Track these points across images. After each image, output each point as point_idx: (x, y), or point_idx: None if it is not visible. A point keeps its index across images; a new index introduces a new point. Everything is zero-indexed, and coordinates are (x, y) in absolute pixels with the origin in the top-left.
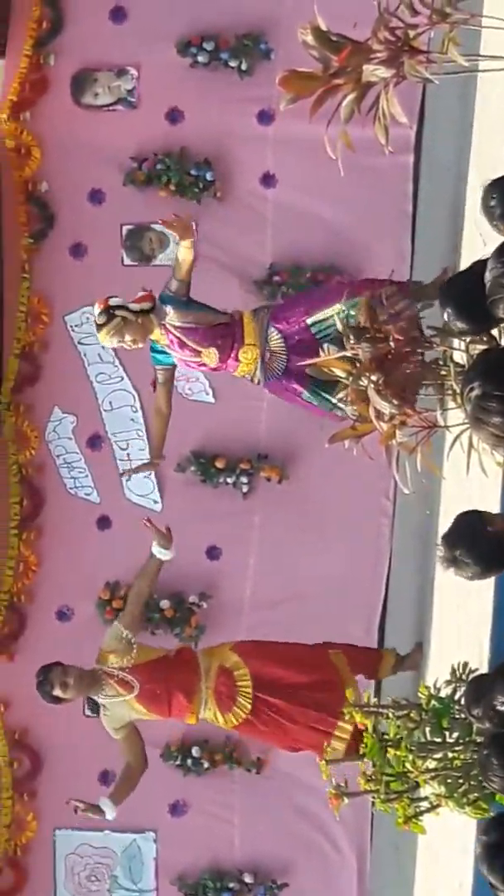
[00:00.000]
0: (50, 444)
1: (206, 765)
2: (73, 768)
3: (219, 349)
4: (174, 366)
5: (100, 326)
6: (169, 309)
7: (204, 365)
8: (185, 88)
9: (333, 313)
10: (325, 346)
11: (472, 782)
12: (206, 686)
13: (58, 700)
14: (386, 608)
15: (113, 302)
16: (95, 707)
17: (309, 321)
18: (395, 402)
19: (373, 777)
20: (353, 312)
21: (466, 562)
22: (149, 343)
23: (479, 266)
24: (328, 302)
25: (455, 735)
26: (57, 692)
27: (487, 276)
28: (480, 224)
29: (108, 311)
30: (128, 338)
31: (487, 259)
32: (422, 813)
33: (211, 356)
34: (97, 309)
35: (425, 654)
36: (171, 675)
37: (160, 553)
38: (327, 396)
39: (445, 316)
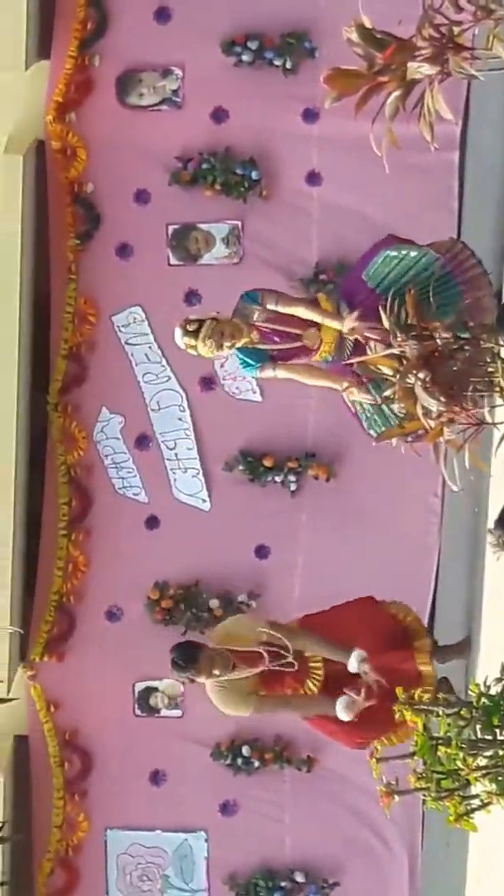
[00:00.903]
0: (98, 445)
1: (256, 764)
2: (124, 768)
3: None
4: (270, 358)
5: (193, 333)
6: (254, 305)
7: (301, 351)
8: (229, 88)
9: (380, 259)
10: (372, 343)
11: None
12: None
13: (190, 677)
14: (434, 606)
15: (193, 317)
16: (146, 704)
17: (364, 276)
18: (443, 399)
19: (423, 775)
20: (392, 254)
21: None
22: (233, 360)
23: None
24: (376, 252)
25: None
26: (202, 679)
27: None
28: None
29: (195, 321)
30: (226, 342)
31: None
32: (473, 810)
33: (312, 337)
34: (179, 327)
35: (475, 651)
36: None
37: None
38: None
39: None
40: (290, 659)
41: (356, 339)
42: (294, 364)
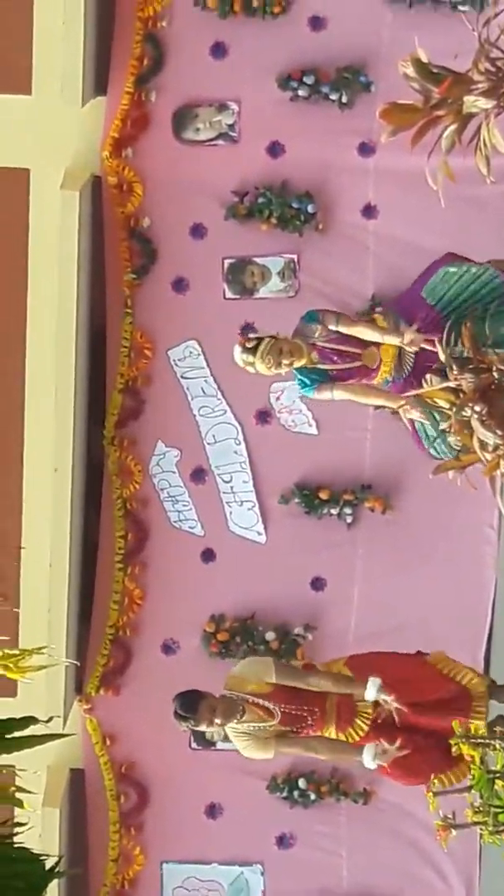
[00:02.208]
0: (154, 478)
1: (312, 796)
2: (180, 802)
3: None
4: (329, 378)
5: (252, 350)
6: (315, 325)
7: (361, 371)
8: (285, 122)
9: (440, 276)
10: (428, 376)
11: None
12: (330, 703)
13: (194, 730)
14: (491, 638)
15: (252, 335)
16: (202, 738)
17: (423, 293)
18: (500, 432)
19: (480, 809)
20: (452, 270)
21: None
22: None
23: None
24: (434, 270)
25: None
26: (203, 727)
27: None
28: None
29: (254, 339)
30: (284, 360)
31: None
32: None
33: (371, 356)
34: (238, 345)
35: None
36: (314, 700)
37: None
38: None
39: None
40: (303, 714)
41: (417, 358)
42: (351, 384)
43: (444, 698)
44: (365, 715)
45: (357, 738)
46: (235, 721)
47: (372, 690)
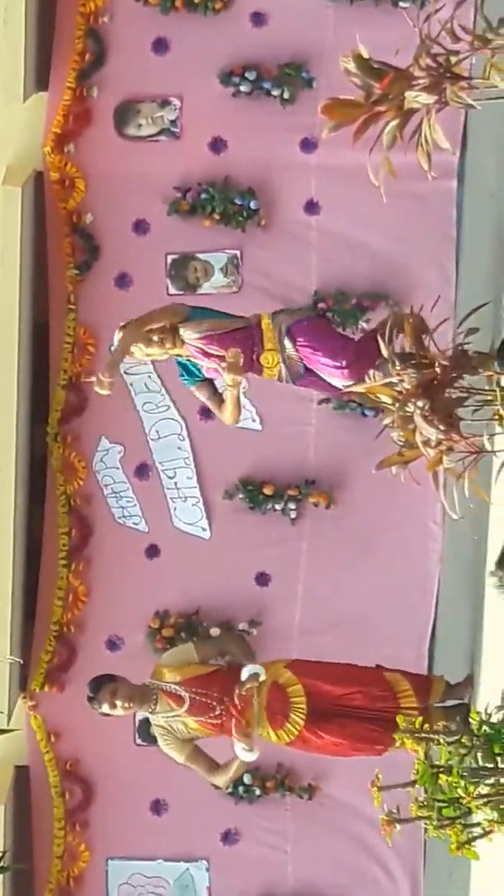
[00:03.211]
0: (98, 474)
1: (257, 792)
2: (126, 798)
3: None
4: (207, 379)
5: (123, 327)
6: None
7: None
8: (227, 118)
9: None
10: (371, 371)
11: None
12: (259, 702)
13: (108, 714)
14: (435, 633)
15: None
16: (147, 734)
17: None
18: (442, 427)
19: (425, 803)
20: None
21: None
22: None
23: None
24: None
25: None
26: (105, 709)
27: None
28: None
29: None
30: (154, 337)
31: None
32: (475, 839)
33: (234, 359)
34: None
35: (475, 679)
36: (224, 689)
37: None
38: None
39: None
40: (212, 702)
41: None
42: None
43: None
44: (299, 710)
45: (292, 738)
46: (149, 710)
47: (245, 672)
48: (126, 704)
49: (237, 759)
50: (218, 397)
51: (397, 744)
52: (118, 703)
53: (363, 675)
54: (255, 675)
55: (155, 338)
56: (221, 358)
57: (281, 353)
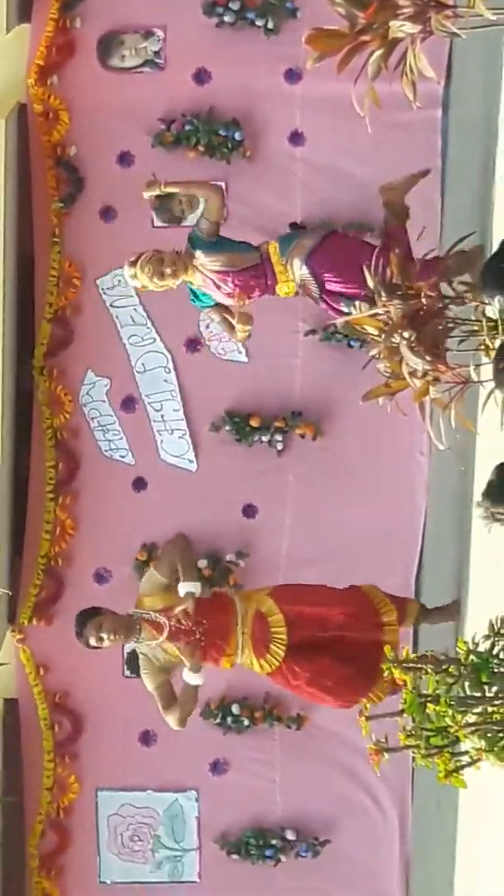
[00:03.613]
0: (84, 408)
1: (246, 722)
2: (114, 729)
3: (254, 291)
4: (219, 304)
5: (133, 262)
6: (198, 252)
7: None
8: (211, 49)
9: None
10: (357, 302)
11: None
12: (243, 631)
13: (96, 647)
14: (421, 563)
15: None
16: (135, 666)
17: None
18: (428, 358)
19: (413, 732)
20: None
21: None
22: (186, 293)
23: None
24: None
25: (494, 689)
26: (93, 643)
27: None
28: None
29: (137, 254)
30: (166, 269)
31: None
32: (462, 767)
33: (243, 298)
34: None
35: (463, 608)
36: (207, 617)
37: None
38: None
39: (496, 302)
40: (190, 627)
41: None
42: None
43: (355, 618)
44: (279, 640)
45: (273, 668)
46: (135, 640)
47: (182, 588)
48: (111, 637)
49: (186, 688)
50: (228, 322)
51: (372, 693)
52: (104, 635)
53: (342, 595)
54: (189, 594)
55: (168, 270)
56: (230, 295)
57: (296, 281)
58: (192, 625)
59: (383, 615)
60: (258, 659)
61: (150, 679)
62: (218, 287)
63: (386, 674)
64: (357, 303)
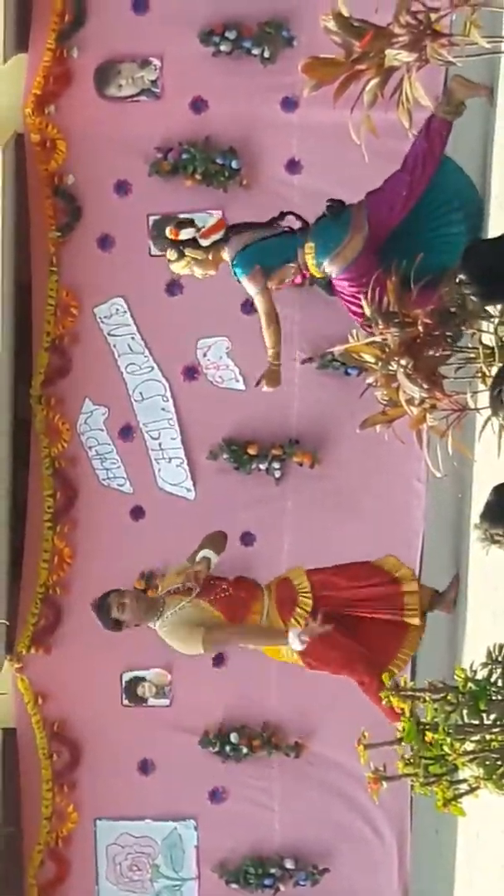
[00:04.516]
0: (82, 437)
1: (244, 751)
2: (112, 759)
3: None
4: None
5: (171, 262)
6: (242, 279)
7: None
8: (208, 77)
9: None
10: (354, 331)
11: None
12: (269, 598)
13: (118, 624)
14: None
15: (183, 235)
16: (134, 694)
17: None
18: (425, 385)
19: (411, 761)
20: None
21: None
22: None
23: None
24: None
25: (492, 717)
26: (115, 613)
27: None
28: None
29: (179, 249)
30: (198, 272)
31: None
32: (461, 795)
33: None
34: (169, 236)
35: (461, 635)
36: (231, 584)
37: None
38: None
39: (461, 276)
40: (219, 582)
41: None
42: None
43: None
44: (305, 594)
45: (302, 623)
46: (156, 617)
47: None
48: (135, 604)
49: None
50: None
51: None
52: (126, 601)
53: (367, 572)
54: (204, 559)
55: (210, 256)
56: None
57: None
58: (213, 581)
59: (403, 584)
60: (286, 620)
61: (191, 638)
62: None
63: (385, 702)
64: (354, 331)
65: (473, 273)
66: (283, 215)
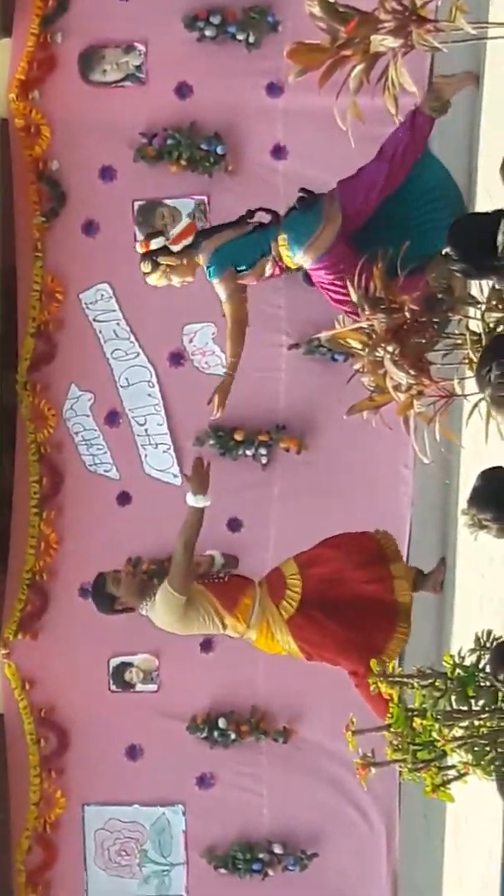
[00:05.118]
0: (68, 422)
1: (232, 736)
2: (101, 744)
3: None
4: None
5: (146, 274)
6: (215, 281)
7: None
8: (193, 63)
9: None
10: (340, 317)
11: (499, 749)
12: (262, 590)
13: (112, 602)
14: None
15: (154, 245)
16: (121, 680)
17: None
18: (412, 372)
19: (399, 747)
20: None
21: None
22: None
23: (497, 215)
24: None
25: (481, 703)
26: (110, 588)
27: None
28: (493, 193)
29: (152, 260)
30: (176, 280)
31: None
32: (449, 781)
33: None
34: (140, 249)
35: (448, 622)
36: (229, 575)
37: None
38: None
39: (447, 250)
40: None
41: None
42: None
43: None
44: (294, 578)
45: (294, 606)
46: (146, 602)
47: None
48: (129, 580)
49: (207, 555)
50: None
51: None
52: (121, 577)
53: (349, 538)
54: (210, 556)
55: (185, 261)
56: None
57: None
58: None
59: (391, 562)
60: (278, 604)
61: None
62: None
63: (372, 688)
64: (340, 317)
65: (460, 246)
66: (251, 213)
